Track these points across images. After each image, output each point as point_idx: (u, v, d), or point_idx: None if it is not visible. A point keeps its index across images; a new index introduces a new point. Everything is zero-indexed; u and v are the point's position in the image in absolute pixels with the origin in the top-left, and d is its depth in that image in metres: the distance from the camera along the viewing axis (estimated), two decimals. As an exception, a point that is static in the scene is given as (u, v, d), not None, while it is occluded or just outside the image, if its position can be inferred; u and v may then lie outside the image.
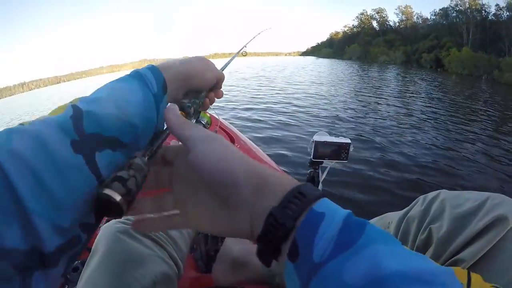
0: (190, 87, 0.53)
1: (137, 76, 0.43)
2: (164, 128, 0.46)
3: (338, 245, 0.28)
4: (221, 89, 0.66)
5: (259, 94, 10.62)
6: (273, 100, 9.11)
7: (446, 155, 4.60)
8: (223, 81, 0.64)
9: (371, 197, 3.01)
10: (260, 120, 6.29)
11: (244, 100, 9.09)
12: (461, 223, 0.55)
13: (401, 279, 0.24)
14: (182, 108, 0.48)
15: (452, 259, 0.53)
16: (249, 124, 6.00)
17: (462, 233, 0.54)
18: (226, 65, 0.81)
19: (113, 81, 0.43)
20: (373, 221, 0.74)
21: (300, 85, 13.92)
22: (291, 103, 8.64)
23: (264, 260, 0.33)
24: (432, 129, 6.19)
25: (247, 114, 7.03)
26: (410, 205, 0.68)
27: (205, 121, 1.50)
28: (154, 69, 0.46)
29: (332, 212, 0.30)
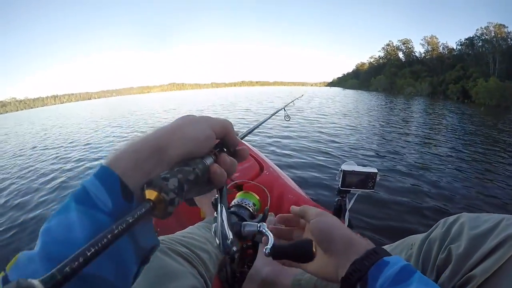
0: (172, 158, 0.40)
1: (78, 198, 0.34)
2: None
3: (393, 281, 0.44)
4: (243, 147, 0.51)
5: (291, 123, 10.11)
6: (303, 129, 9.30)
7: (471, 184, 4.57)
8: (235, 134, 0.49)
9: (396, 223, 3.07)
10: (290, 147, 6.51)
11: (278, 127, 9.17)
12: (477, 242, 0.58)
13: None
14: (156, 187, 0.34)
15: (466, 275, 0.56)
16: (279, 150, 6.23)
17: (477, 251, 0.57)
18: (253, 129, 0.77)
19: (47, 222, 0.33)
20: (397, 243, 0.82)
21: (330, 116, 14.17)
22: (321, 131, 8.89)
23: None
24: (459, 160, 6.20)
25: (279, 141, 7.27)
26: (432, 228, 0.72)
27: (251, 204, 1.02)
28: (102, 173, 0.36)
29: (395, 261, 0.47)
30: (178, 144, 0.40)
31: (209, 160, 0.43)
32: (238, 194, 1.10)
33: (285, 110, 2.70)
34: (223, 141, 0.48)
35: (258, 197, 1.01)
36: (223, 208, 0.50)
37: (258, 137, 7.35)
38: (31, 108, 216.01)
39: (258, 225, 0.64)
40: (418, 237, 0.73)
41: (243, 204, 0.97)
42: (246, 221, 0.73)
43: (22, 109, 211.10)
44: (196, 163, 0.41)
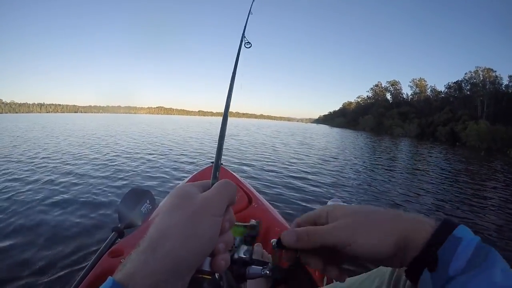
0: (191, 271, 0.38)
1: None
2: None
3: (469, 264, 0.37)
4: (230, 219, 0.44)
5: (278, 158, 11.63)
6: (293, 166, 9.79)
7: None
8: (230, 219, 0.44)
9: None
10: (280, 183, 6.94)
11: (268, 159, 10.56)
12: None
13: None
14: None
15: None
16: (268, 184, 6.74)
17: None
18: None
19: None
20: (372, 271, 0.79)
21: (322, 152, 15.36)
22: (312, 168, 9.63)
23: (413, 274, 0.42)
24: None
25: (269, 175, 7.95)
26: None
27: (245, 251, 0.84)
28: None
29: (468, 237, 0.40)
30: (197, 253, 0.38)
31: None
32: None
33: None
34: None
35: (243, 225, 1.02)
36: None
37: (250, 167, 8.37)
38: (16, 112, 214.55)
39: (262, 270, 0.72)
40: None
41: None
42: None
43: (6, 112, 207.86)
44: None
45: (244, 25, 0.96)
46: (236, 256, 0.83)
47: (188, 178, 2.78)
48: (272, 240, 0.53)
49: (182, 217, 0.38)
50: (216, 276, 0.48)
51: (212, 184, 0.45)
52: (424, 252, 0.41)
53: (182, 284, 0.36)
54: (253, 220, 1.22)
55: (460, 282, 0.37)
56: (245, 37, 0.97)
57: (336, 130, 66.56)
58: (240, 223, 1.03)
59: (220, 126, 0.62)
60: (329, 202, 1.36)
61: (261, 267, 0.70)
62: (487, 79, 57.86)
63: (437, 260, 0.39)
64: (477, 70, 59.86)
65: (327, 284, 1.23)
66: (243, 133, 29.02)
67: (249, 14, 1.05)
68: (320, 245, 0.46)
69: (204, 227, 0.38)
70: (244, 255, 0.83)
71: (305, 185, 6.96)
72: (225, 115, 0.69)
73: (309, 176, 8.10)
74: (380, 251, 0.43)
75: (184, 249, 0.36)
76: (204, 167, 2.84)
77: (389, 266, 0.47)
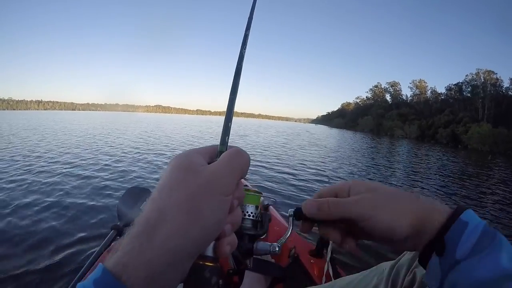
0: (190, 261, 0.33)
1: None
2: None
3: (475, 248, 0.39)
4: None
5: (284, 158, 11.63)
6: (298, 167, 9.61)
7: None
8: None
9: (374, 252, 3.24)
10: (284, 184, 6.97)
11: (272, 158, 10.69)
12: None
13: None
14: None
15: None
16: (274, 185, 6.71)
17: None
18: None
19: None
20: (372, 269, 0.84)
21: (324, 152, 15.48)
22: (317, 169, 9.50)
23: (424, 258, 0.44)
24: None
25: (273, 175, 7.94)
26: (401, 255, 0.77)
27: (253, 210, 0.75)
28: (105, 283, 0.28)
29: (474, 222, 0.41)
30: (200, 240, 0.32)
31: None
32: None
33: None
34: None
35: (257, 195, 0.82)
36: None
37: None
38: (13, 109, 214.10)
39: (271, 246, 0.67)
40: (389, 263, 0.80)
41: (245, 216, 0.79)
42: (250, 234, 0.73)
43: (4, 109, 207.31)
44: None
45: (246, 24, 0.85)
46: (245, 221, 0.73)
47: None
48: (289, 210, 0.52)
49: (184, 195, 0.32)
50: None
51: (221, 153, 0.38)
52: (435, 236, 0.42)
53: (182, 273, 0.32)
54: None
55: (466, 266, 0.38)
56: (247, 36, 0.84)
57: (335, 131, 66.29)
58: (251, 190, 0.79)
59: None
60: None
61: (270, 243, 0.67)
62: (488, 81, 57.89)
63: (444, 244, 0.40)
64: (478, 72, 59.98)
65: (325, 282, 1.29)
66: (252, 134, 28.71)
67: (251, 15, 0.93)
68: (341, 216, 0.46)
69: (210, 209, 0.32)
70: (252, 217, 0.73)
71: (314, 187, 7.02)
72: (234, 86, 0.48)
73: (316, 179, 7.99)
74: (396, 229, 0.44)
75: (185, 235, 0.31)
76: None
77: (401, 248, 0.48)
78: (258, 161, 10.01)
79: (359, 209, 0.45)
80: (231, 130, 0.36)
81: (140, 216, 0.32)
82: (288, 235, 0.60)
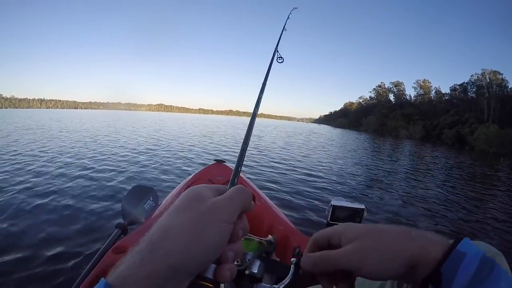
0: (190, 276, 0.35)
1: None
2: None
3: (474, 280, 0.38)
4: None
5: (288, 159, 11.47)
6: (298, 165, 9.90)
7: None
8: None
9: None
10: (283, 182, 7.02)
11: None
12: None
13: None
14: None
15: None
16: (270, 184, 6.69)
17: None
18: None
19: None
20: None
21: (327, 153, 15.42)
22: (316, 168, 9.62)
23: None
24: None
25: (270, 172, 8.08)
26: None
27: (259, 266, 0.69)
28: None
29: (472, 252, 0.40)
30: (199, 259, 0.34)
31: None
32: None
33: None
34: None
35: (257, 240, 0.92)
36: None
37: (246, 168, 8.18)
38: (16, 107, 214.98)
39: None
40: None
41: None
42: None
43: (7, 107, 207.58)
44: None
45: (277, 40, 1.00)
46: (247, 272, 0.72)
47: (191, 176, 2.66)
48: (292, 259, 0.56)
49: (188, 218, 0.35)
50: (222, 287, 0.47)
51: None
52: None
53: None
54: (270, 236, 1.04)
55: None
56: (278, 51, 1.03)
57: (339, 130, 66.00)
58: (254, 237, 0.92)
59: (245, 131, 0.63)
60: (333, 201, 1.47)
61: (270, 285, 0.66)
62: (494, 82, 57.51)
63: (440, 276, 0.40)
64: (483, 73, 59.60)
65: None
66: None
67: (283, 30, 1.09)
68: (333, 269, 0.47)
69: (210, 232, 0.35)
70: (257, 271, 0.70)
71: (313, 185, 7.14)
72: (251, 122, 0.68)
73: (316, 177, 8.09)
74: (388, 273, 0.44)
75: (185, 252, 0.33)
76: (208, 165, 2.72)
77: (400, 281, 0.50)
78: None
79: (347, 262, 0.46)
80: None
81: (145, 235, 0.35)
82: (287, 281, 0.61)
